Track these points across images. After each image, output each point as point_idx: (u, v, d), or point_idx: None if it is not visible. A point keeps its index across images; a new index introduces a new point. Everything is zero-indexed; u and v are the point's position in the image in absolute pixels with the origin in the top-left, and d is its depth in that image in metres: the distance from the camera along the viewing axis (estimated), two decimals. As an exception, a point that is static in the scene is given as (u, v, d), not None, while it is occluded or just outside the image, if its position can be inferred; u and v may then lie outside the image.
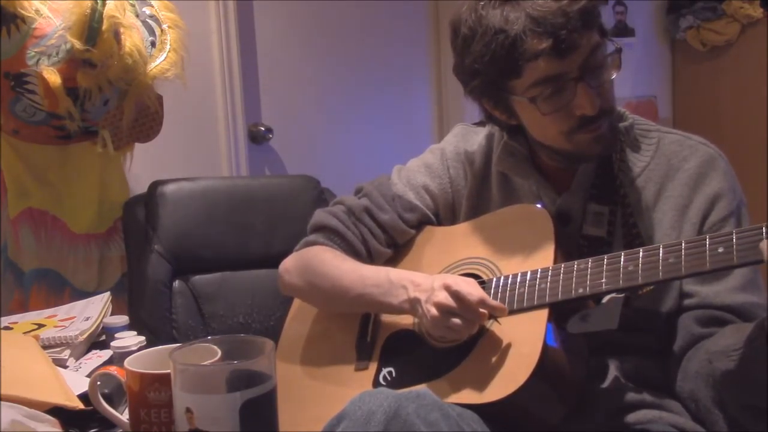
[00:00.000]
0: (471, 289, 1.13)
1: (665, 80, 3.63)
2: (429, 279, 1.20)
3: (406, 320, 1.29)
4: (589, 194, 1.24)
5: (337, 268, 1.32)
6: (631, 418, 1.16)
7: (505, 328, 1.15)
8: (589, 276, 1.11)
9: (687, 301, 1.19)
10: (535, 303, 1.14)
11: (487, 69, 1.17)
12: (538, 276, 1.16)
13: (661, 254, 1.05)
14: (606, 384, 1.19)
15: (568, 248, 1.22)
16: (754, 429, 1.08)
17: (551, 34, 1.11)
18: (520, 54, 1.13)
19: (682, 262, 1.03)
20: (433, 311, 1.14)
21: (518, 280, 1.18)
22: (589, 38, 1.14)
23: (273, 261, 1.49)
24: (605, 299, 1.12)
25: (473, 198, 1.36)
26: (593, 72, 1.16)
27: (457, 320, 1.13)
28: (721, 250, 1.00)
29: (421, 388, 1.11)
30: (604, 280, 1.10)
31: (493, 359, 1.13)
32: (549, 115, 1.17)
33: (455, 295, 1.13)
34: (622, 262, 1.09)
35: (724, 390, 1.09)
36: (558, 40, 1.11)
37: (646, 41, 3.50)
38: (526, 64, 1.14)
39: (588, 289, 1.11)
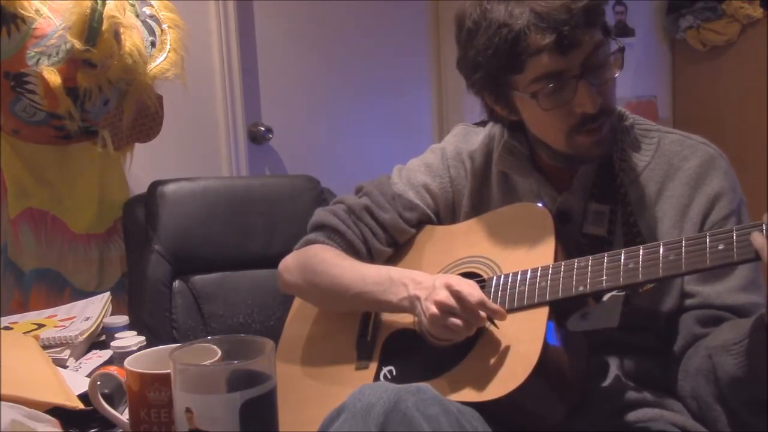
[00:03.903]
0: (472, 291, 1.13)
1: (665, 80, 3.63)
2: (430, 278, 1.20)
3: (407, 319, 1.28)
4: (590, 193, 1.24)
5: (337, 266, 1.32)
6: (632, 416, 1.16)
7: (506, 326, 1.15)
8: (589, 274, 1.11)
9: (688, 301, 1.19)
10: (536, 301, 1.14)
11: (490, 63, 1.18)
12: (539, 274, 1.16)
13: (661, 251, 1.06)
14: (607, 383, 1.19)
15: (569, 247, 1.22)
16: (755, 423, 1.08)
17: (554, 29, 1.11)
18: (523, 49, 1.13)
19: (683, 259, 1.03)
20: (433, 309, 1.14)
21: (518, 278, 1.18)
22: (591, 36, 1.14)
23: (273, 261, 1.49)
24: (605, 297, 1.12)
25: (473, 197, 1.36)
26: (595, 70, 1.16)
27: (455, 320, 1.13)
28: (721, 247, 1.00)
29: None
30: (604, 277, 1.10)
31: (494, 357, 1.13)
32: (549, 111, 1.17)
33: (456, 294, 1.13)
34: (622, 260, 1.09)
35: (724, 385, 1.09)
36: (561, 36, 1.11)
37: (646, 41, 3.50)
38: (528, 59, 1.14)
39: (588, 286, 1.11)
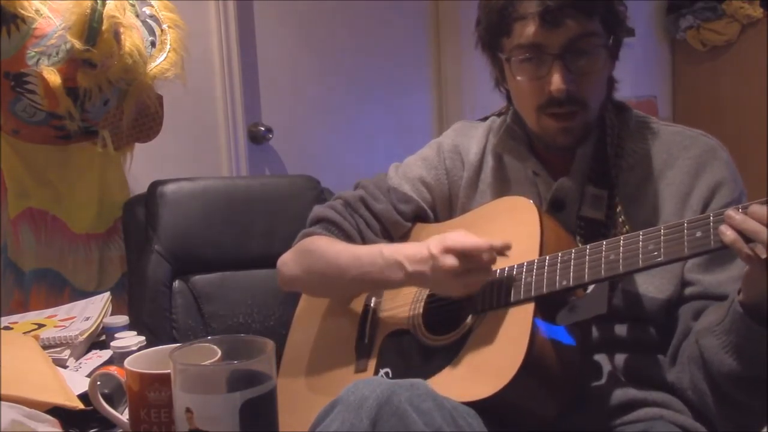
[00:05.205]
0: (472, 242, 1.14)
1: (665, 80, 3.63)
2: (421, 247, 1.19)
3: (402, 320, 1.29)
4: (587, 177, 1.25)
5: (331, 249, 1.33)
6: (632, 416, 1.16)
7: (494, 323, 1.15)
8: (572, 267, 1.12)
9: (688, 290, 1.19)
10: (522, 297, 1.15)
11: (486, 19, 1.24)
12: (524, 270, 1.16)
13: (641, 242, 1.06)
14: (603, 381, 1.19)
15: (567, 231, 1.23)
16: (744, 401, 1.09)
17: (542, 1, 1.15)
18: (512, 11, 1.19)
19: (662, 249, 1.03)
20: (447, 279, 1.15)
21: (504, 274, 1.18)
22: (581, 22, 1.17)
23: (273, 261, 1.49)
24: (590, 288, 1.12)
25: (468, 188, 1.37)
26: (575, 56, 1.18)
27: (472, 277, 1.15)
28: (698, 234, 1.00)
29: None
30: (586, 271, 1.10)
31: (483, 356, 1.13)
32: (524, 84, 1.21)
33: (462, 254, 1.13)
34: (603, 252, 1.10)
35: (710, 365, 1.09)
36: (546, 9, 1.15)
37: (646, 41, 3.50)
38: (514, 23, 1.19)
39: (571, 281, 1.11)
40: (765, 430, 1.19)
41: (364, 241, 1.39)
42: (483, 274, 1.15)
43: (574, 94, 1.18)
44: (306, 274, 1.38)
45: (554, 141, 1.24)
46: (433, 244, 1.17)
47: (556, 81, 1.17)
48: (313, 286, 1.42)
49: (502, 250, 1.15)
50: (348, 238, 1.38)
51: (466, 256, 1.13)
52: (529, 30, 1.17)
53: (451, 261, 1.14)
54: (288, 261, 1.42)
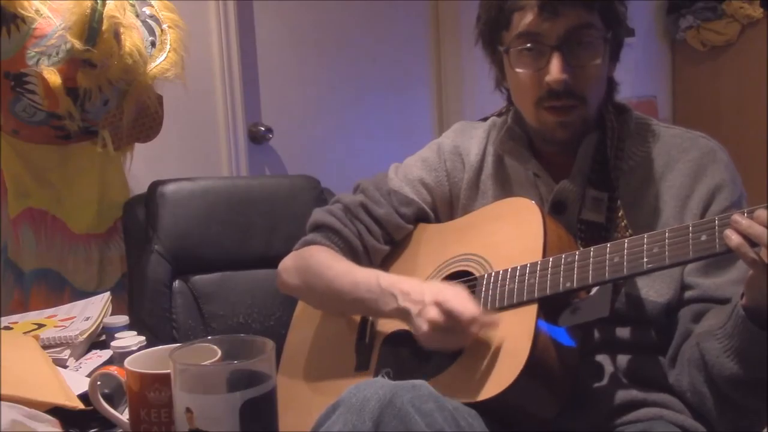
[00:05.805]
0: (463, 307, 1.11)
1: (665, 80, 3.63)
2: (419, 288, 1.18)
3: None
4: (588, 179, 1.24)
5: (331, 269, 1.32)
6: (632, 416, 1.16)
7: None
8: (576, 269, 1.12)
9: (688, 293, 1.19)
10: (525, 298, 1.14)
11: (485, 14, 1.25)
12: (527, 271, 1.16)
13: (645, 244, 1.06)
14: (605, 382, 1.19)
15: (569, 234, 1.22)
16: (746, 404, 1.09)
17: None
18: (510, 4, 1.20)
19: (666, 252, 1.03)
20: (425, 328, 1.13)
21: (508, 275, 1.18)
22: (579, 14, 1.17)
23: (273, 261, 1.49)
24: (593, 291, 1.12)
25: (469, 189, 1.37)
26: (573, 48, 1.18)
27: (448, 337, 1.13)
28: (703, 237, 1.00)
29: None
30: (590, 273, 1.10)
31: (485, 357, 1.13)
32: (523, 77, 1.21)
33: (447, 313, 1.12)
34: (607, 254, 1.10)
35: (711, 368, 1.09)
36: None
37: (646, 41, 3.50)
38: (512, 15, 1.20)
39: (575, 282, 1.11)
40: (765, 431, 1.19)
41: (365, 247, 1.38)
42: (459, 339, 1.13)
43: (572, 87, 1.18)
44: (305, 287, 1.38)
45: (553, 136, 1.24)
46: (428, 291, 1.16)
47: (554, 71, 1.17)
48: (310, 300, 1.42)
49: (489, 325, 1.13)
50: (349, 245, 1.37)
51: (451, 317, 1.11)
52: (527, 19, 1.18)
53: (434, 314, 1.12)
54: (289, 268, 1.41)
